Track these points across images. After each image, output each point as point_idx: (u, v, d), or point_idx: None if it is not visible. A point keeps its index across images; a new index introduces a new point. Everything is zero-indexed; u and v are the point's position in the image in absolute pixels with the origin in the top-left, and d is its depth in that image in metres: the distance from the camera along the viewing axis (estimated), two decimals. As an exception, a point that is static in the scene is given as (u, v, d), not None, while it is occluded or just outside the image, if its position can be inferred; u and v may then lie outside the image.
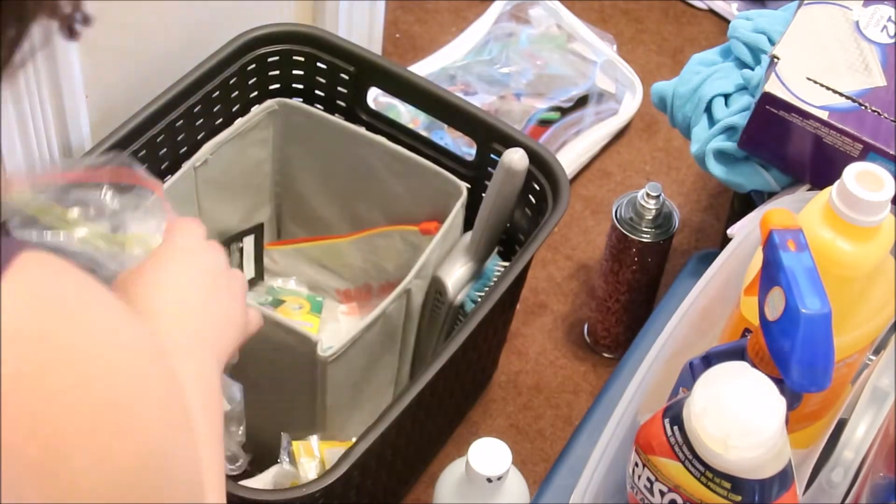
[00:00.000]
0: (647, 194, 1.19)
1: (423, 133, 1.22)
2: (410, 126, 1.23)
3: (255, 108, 1.18)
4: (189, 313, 0.70)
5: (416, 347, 1.16)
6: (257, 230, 1.25)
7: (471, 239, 1.14)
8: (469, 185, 1.20)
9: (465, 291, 1.13)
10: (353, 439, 0.97)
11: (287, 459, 1.04)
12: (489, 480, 1.01)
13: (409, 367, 1.17)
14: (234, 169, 1.18)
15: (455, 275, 1.12)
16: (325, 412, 1.07)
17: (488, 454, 1.01)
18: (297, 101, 1.20)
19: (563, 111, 1.48)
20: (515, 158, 1.08)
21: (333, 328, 1.26)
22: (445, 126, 1.35)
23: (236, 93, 1.19)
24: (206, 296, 0.72)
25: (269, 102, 1.18)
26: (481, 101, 1.45)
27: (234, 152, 1.17)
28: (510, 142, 1.15)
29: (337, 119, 1.19)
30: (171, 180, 1.12)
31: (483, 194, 1.20)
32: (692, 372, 0.91)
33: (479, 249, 1.14)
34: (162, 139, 1.13)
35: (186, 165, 1.13)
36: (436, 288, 1.13)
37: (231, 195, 1.21)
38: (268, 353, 1.03)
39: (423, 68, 1.51)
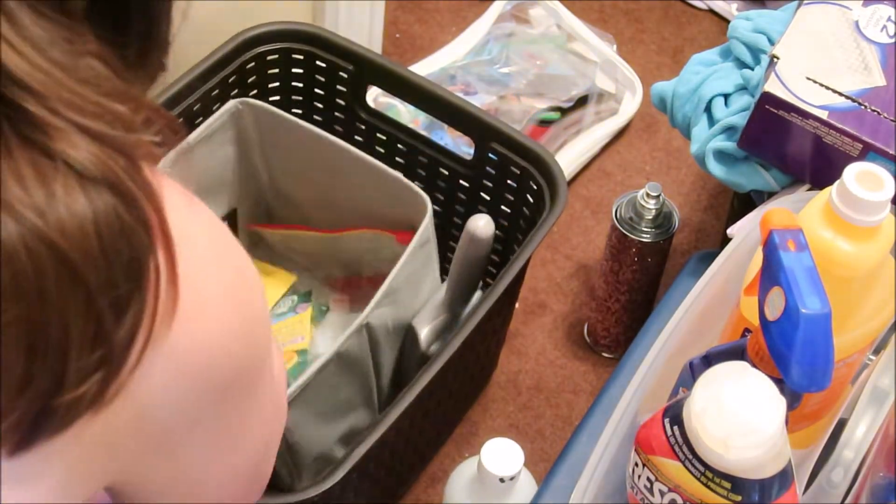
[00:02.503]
0: (647, 194, 1.19)
1: (423, 133, 1.22)
2: (411, 126, 1.22)
3: (218, 111, 1.16)
4: None
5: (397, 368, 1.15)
6: (229, 217, 1.24)
7: (444, 293, 1.12)
8: (468, 184, 1.20)
9: (439, 344, 1.12)
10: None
11: None
12: (502, 480, 1.00)
13: (390, 384, 1.15)
14: (201, 172, 1.16)
15: (428, 327, 1.11)
16: (291, 448, 1.06)
17: (501, 454, 1.01)
18: (259, 102, 1.17)
19: (563, 111, 1.48)
20: (480, 225, 1.07)
21: (329, 322, 1.25)
22: (446, 126, 1.35)
23: (235, 91, 1.19)
24: None
25: (231, 104, 1.16)
26: (481, 101, 1.45)
27: (201, 156, 1.15)
28: (507, 140, 1.15)
29: (300, 121, 1.16)
30: None
31: (480, 193, 1.20)
32: (692, 372, 0.91)
33: (453, 303, 1.12)
34: (161, 138, 1.13)
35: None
36: (410, 337, 1.11)
37: (202, 197, 1.19)
38: None
39: (423, 68, 1.51)
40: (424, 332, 1.10)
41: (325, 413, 1.06)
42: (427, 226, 1.09)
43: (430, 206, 1.10)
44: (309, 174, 1.21)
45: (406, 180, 1.12)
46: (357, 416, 1.11)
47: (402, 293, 1.09)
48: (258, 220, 1.29)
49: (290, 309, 1.24)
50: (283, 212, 1.28)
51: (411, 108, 1.35)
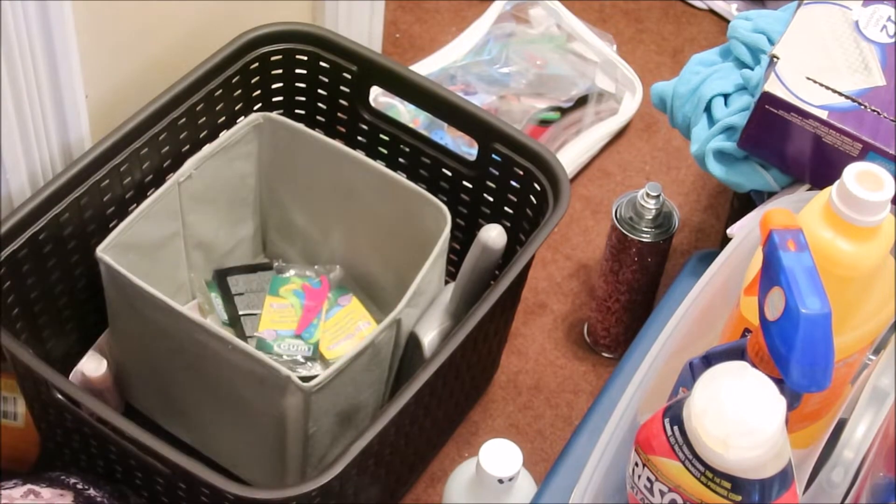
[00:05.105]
0: (647, 194, 1.20)
1: (425, 133, 1.22)
2: (411, 126, 1.22)
3: (240, 122, 1.17)
4: None
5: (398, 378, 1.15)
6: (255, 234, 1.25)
7: (449, 300, 1.12)
8: (470, 185, 1.20)
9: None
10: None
11: None
12: (500, 481, 1.00)
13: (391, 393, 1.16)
14: (218, 183, 1.17)
15: (432, 334, 1.11)
16: (308, 441, 1.06)
17: (499, 455, 1.01)
18: (279, 116, 1.19)
19: (563, 111, 1.48)
20: (493, 235, 1.07)
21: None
22: (445, 126, 1.35)
23: (239, 91, 1.19)
24: None
25: (253, 116, 1.17)
26: (481, 101, 1.45)
27: (219, 166, 1.16)
28: (511, 142, 1.15)
29: (320, 136, 1.18)
30: (154, 196, 1.11)
31: (483, 194, 1.20)
32: (692, 372, 0.91)
33: (457, 310, 1.12)
34: (164, 137, 1.13)
35: (170, 181, 1.12)
36: (413, 344, 1.11)
37: (215, 209, 1.20)
38: (239, 385, 1.04)
39: (423, 68, 1.51)
40: (428, 340, 1.10)
41: (343, 412, 1.07)
42: (447, 237, 1.10)
43: (449, 219, 1.11)
44: (317, 194, 1.21)
45: (428, 194, 1.13)
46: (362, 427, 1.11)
47: (422, 298, 1.09)
48: (256, 250, 1.30)
49: (332, 305, 1.24)
50: (283, 235, 1.28)
51: (411, 107, 1.35)
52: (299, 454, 1.07)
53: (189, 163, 1.13)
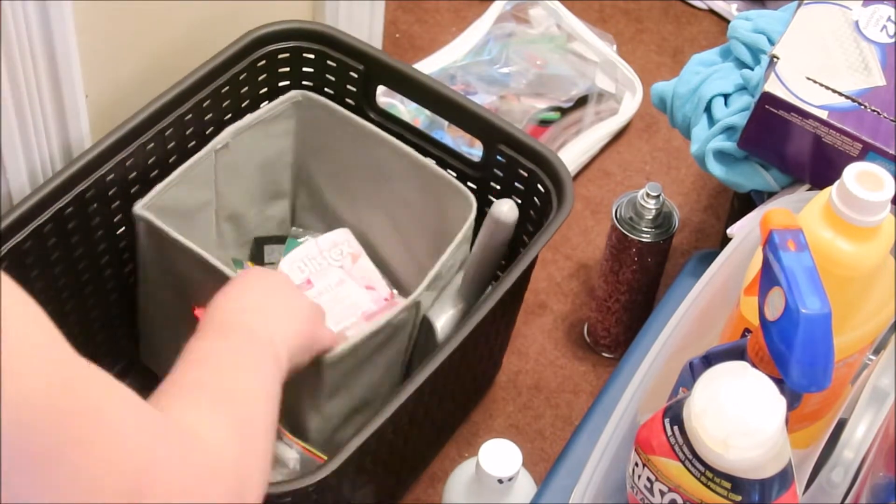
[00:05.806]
0: (647, 194, 1.20)
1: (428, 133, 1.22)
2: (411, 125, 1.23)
3: (281, 98, 1.18)
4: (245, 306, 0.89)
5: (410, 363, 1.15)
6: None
7: (461, 283, 1.13)
8: (475, 185, 1.20)
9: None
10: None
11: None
12: (500, 481, 1.01)
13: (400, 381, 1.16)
14: (254, 156, 1.18)
15: (444, 317, 1.11)
16: (321, 415, 1.06)
17: (499, 455, 1.01)
18: (317, 96, 1.19)
19: (563, 111, 1.48)
20: (505, 210, 1.08)
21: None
22: (445, 126, 1.35)
23: (245, 88, 1.19)
24: (262, 295, 0.92)
25: (293, 93, 1.18)
26: (481, 101, 1.45)
27: (256, 139, 1.17)
28: (516, 143, 1.15)
29: (356, 118, 1.19)
30: (191, 161, 1.11)
31: (488, 195, 1.20)
32: (692, 372, 0.91)
33: (469, 293, 1.12)
34: (170, 133, 1.13)
35: (207, 148, 1.13)
36: (426, 329, 1.11)
37: (249, 183, 1.21)
38: None
39: (424, 68, 1.51)
40: (441, 323, 1.10)
41: (357, 394, 1.07)
42: (471, 224, 1.11)
43: (475, 206, 1.11)
44: (348, 175, 1.22)
45: (456, 181, 1.14)
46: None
47: (441, 282, 1.10)
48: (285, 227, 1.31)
49: None
50: (313, 213, 1.29)
51: (412, 107, 1.35)
52: (312, 429, 1.07)
53: (227, 131, 1.14)
